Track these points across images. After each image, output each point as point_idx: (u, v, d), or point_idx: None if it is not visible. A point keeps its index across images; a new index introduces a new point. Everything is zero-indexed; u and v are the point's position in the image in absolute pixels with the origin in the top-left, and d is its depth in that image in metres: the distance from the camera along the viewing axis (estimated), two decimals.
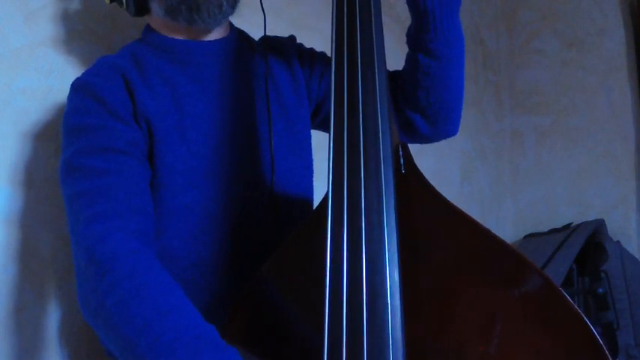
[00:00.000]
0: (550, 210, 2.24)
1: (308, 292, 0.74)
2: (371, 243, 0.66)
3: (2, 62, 1.02)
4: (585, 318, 0.62)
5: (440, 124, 0.98)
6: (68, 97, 0.88)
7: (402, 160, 0.74)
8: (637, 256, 1.91)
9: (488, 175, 2.27)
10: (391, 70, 0.97)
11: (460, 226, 0.71)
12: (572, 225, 2.02)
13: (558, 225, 2.11)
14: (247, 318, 0.79)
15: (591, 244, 1.89)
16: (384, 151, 0.71)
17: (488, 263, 0.68)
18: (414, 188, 0.74)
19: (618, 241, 1.92)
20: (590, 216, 2.06)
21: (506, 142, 2.37)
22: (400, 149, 0.75)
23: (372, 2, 0.80)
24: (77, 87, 0.88)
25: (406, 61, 0.96)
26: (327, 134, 1.09)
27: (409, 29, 0.93)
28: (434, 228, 0.72)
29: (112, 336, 0.70)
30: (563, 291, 0.63)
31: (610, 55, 2.13)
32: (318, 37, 1.12)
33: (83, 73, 0.90)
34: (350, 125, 0.73)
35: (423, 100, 0.94)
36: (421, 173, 0.75)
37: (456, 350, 0.66)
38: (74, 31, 1.12)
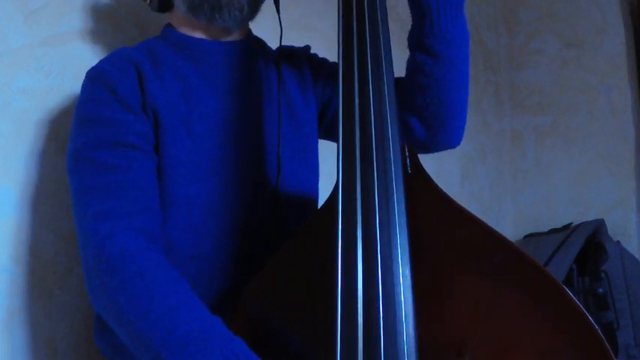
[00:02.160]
0: (550, 210, 2.24)
1: (312, 295, 0.74)
2: (383, 242, 0.66)
3: (2, 62, 1.02)
4: (590, 318, 0.62)
5: (437, 131, 0.95)
6: (82, 85, 0.90)
7: (408, 160, 0.74)
8: (637, 256, 1.91)
9: (488, 175, 2.27)
10: None
11: (466, 225, 0.71)
12: (572, 225, 2.02)
13: (558, 225, 2.10)
14: (247, 322, 0.78)
15: (591, 244, 1.89)
16: (393, 151, 0.71)
17: (495, 263, 0.68)
18: (420, 188, 0.74)
19: (618, 241, 1.92)
20: (590, 216, 2.06)
21: (506, 142, 2.37)
22: (406, 149, 0.75)
23: (378, 3, 0.80)
24: (92, 76, 0.89)
25: (407, 62, 0.96)
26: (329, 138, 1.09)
27: (410, 29, 0.93)
28: (440, 227, 0.72)
29: (125, 330, 0.74)
30: (569, 291, 0.63)
31: (610, 55, 2.13)
32: (318, 37, 1.12)
33: (98, 62, 0.92)
34: (361, 125, 0.73)
35: (419, 101, 0.92)
36: (427, 173, 0.75)
37: (461, 349, 0.66)
38: (74, 31, 1.12)
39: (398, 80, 0.97)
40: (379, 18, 0.80)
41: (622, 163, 2.09)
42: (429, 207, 0.73)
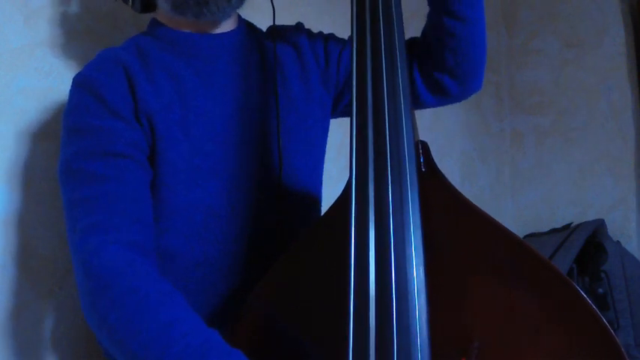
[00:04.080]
0: (550, 210, 2.24)
1: (323, 296, 0.73)
2: (398, 242, 0.66)
3: (2, 62, 1.02)
4: (605, 321, 0.61)
5: (467, 82, 0.99)
6: (70, 91, 0.87)
7: (421, 159, 0.74)
8: (637, 256, 1.90)
9: (488, 175, 2.27)
10: None
11: (480, 225, 0.70)
12: (572, 225, 2.02)
13: (558, 225, 2.10)
14: (256, 325, 0.78)
15: (591, 244, 1.89)
16: (407, 150, 0.71)
17: (508, 263, 0.68)
18: (434, 187, 0.73)
19: (618, 241, 1.92)
20: (590, 216, 2.06)
21: (506, 142, 2.37)
22: (420, 147, 0.74)
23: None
24: (78, 83, 0.86)
25: (429, 23, 0.96)
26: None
27: None
28: (453, 227, 0.72)
29: (118, 350, 0.70)
30: (583, 293, 0.63)
31: (610, 55, 2.12)
32: None
33: (85, 67, 0.88)
34: (375, 123, 0.72)
35: (451, 61, 0.95)
36: (440, 172, 0.74)
37: (473, 350, 0.65)
38: (74, 31, 1.11)
39: (413, 42, 0.99)
40: (394, 14, 0.79)
41: (622, 163, 2.09)
42: (443, 206, 0.73)
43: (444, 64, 0.96)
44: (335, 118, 1.07)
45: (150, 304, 0.70)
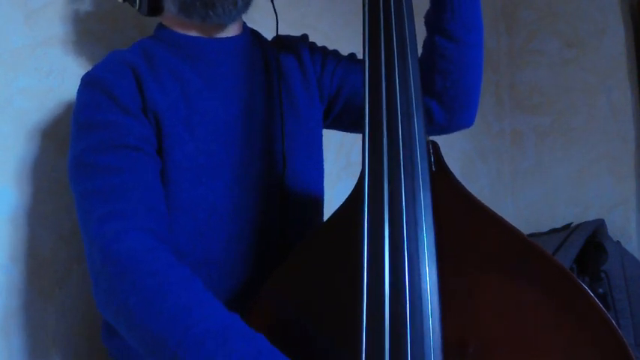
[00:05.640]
0: (550, 210, 2.24)
1: (335, 291, 0.73)
2: (411, 242, 0.66)
3: (2, 62, 1.02)
4: (614, 323, 0.61)
5: (456, 112, 0.97)
6: (78, 91, 0.88)
7: (432, 158, 0.74)
8: (637, 256, 1.90)
9: (488, 175, 2.27)
10: None
11: (489, 225, 0.70)
12: (572, 225, 2.02)
13: (558, 225, 2.10)
14: (266, 318, 0.77)
15: (591, 244, 1.89)
16: (420, 147, 0.71)
17: (516, 263, 0.68)
18: (444, 186, 0.73)
19: (618, 241, 1.92)
20: (590, 216, 2.06)
21: (506, 142, 2.37)
22: (430, 147, 0.75)
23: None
24: (87, 82, 0.88)
25: (423, 46, 0.96)
26: (327, 135, 1.09)
27: (427, 12, 0.93)
28: (463, 227, 0.72)
29: (137, 334, 0.70)
30: (592, 294, 0.63)
31: (610, 55, 2.12)
32: (318, 37, 1.12)
33: (93, 68, 0.90)
34: (388, 120, 0.72)
35: (439, 84, 0.94)
36: (451, 172, 0.74)
37: (480, 348, 0.65)
38: (74, 31, 1.12)
39: None
40: (404, 10, 0.79)
41: (622, 163, 2.09)
42: (453, 205, 0.73)
43: (432, 88, 0.94)
44: (324, 129, 1.08)
45: (171, 287, 0.71)
